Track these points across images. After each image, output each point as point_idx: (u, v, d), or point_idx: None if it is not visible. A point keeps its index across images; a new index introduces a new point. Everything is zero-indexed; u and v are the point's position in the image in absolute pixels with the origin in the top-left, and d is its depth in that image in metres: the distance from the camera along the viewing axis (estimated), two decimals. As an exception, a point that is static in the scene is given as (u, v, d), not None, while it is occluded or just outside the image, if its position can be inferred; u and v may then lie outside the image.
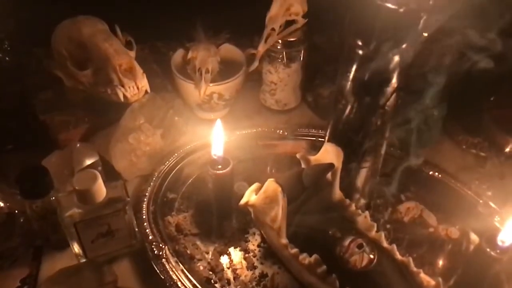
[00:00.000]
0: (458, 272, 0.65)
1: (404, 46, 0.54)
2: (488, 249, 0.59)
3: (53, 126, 0.77)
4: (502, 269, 0.64)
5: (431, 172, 0.76)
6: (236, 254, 0.68)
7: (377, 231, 0.65)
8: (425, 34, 1.02)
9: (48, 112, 0.79)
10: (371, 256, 0.60)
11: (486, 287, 0.64)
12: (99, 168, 0.69)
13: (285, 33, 0.79)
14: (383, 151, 0.67)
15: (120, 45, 0.75)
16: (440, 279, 0.59)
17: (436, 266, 0.67)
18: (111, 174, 0.73)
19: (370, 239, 0.64)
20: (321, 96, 0.91)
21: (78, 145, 0.72)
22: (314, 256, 0.60)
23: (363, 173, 0.68)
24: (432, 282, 0.59)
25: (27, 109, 0.81)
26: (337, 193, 0.69)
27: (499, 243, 0.59)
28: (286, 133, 0.83)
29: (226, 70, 0.83)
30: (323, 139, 0.71)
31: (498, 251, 0.59)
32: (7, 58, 0.88)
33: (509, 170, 0.78)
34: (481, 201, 0.72)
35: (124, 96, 0.75)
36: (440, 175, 0.76)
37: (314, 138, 0.83)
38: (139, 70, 0.75)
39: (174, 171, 0.76)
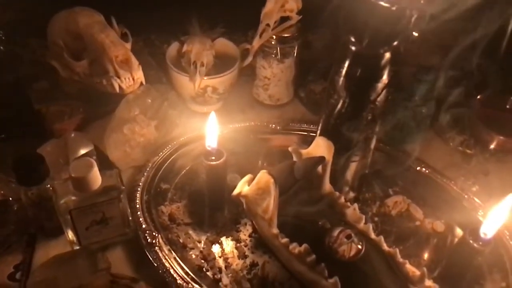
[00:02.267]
0: (443, 264, 0.67)
1: (395, 43, 0.56)
2: (471, 241, 0.62)
3: (48, 116, 0.78)
4: (484, 260, 0.67)
5: (418, 168, 0.78)
6: (227, 243, 0.69)
7: (365, 223, 0.66)
8: (415, 34, 1.05)
9: (43, 102, 0.80)
10: (359, 247, 0.62)
11: (469, 278, 0.66)
12: (94, 157, 0.70)
13: (280, 29, 0.81)
14: (373, 145, 0.69)
15: (116, 36, 0.76)
16: (425, 269, 0.61)
17: (422, 258, 0.69)
18: (105, 164, 0.74)
19: (359, 230, 0.65)
20: (314, 92, 0.92)
21: (73, 134, 0.73)
22: (304, 245, 0.61)
23: (353, 167, 0.70)
24: (417, 273, 0.61)
25: (22, 99, 0.81)
26: (327, 186, 0.71)
27: (482, 235, 0.61)
28: (278, 128, 0.85)
29: (220, 64, 0.84)
30: (314, 134, 0.73)
31: (480, 243, 0.61)
32: (1, 48, 0.89)
33: (493, 167, 0.80)
34: (466, 196, 0.74)
35: (120, 87, 0.75)
36: (427, 171, 0.78)
37: (306, 133, 0.84)
38: (135, 61, 0.76)
39: (167, 162, 0.77)
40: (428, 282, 0.61)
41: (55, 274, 0.61)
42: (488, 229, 0.61)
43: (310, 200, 0.70)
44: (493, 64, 0.80)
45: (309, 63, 0.95)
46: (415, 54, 0.94)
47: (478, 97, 0.79)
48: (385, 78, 0.59)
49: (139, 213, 0.69)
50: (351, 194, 0.74)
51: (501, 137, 0.75)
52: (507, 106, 0.79)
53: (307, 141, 0.80)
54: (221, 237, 0.70)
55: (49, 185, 0.63)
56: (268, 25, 0.79)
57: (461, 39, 0.95)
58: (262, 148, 0.83)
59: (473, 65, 0.77)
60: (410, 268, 0.62)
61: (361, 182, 0.74)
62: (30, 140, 0.75)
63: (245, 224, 0.72)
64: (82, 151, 0.71)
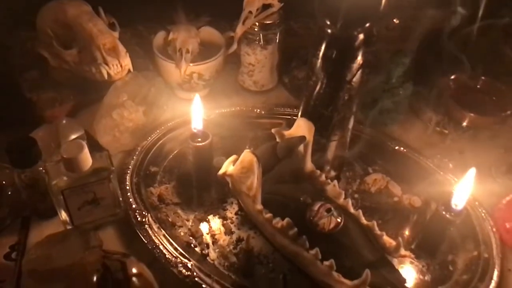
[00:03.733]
0: (420, 236, 0.71)
1: (367, 25, 0.59)
2: (444, 212, 0.65)
3: (39, 103, 0.81)
4: (458, 231, 0.71)
5: (397, 147, 0.82)
6: (215, 221, 0.72)
7: (345, 198, 0.70)
8: (396, 21, 1.08)
9: (34, 91, 0.83)
10: (338, 220, 0.65)
11: (444, 248, 0.70)
12: (84, 142, 0.73)
13: (262, 16, 0.83)
14: (350, 125, 0.72)
15: (104, 25, 0.79)
16: (400, 240, 0.64)
17: (399, 231, 0.72)
18: (96, 149, 0.76)
19: (338, 205, 0.69)
20: (297, 78, 0.96)
21: (64, 121, 0.76)
22: (286, 220, 0.65)
23: (332, 146, 0.73)
24: (394, 243, 0.65)
25: (13, 88, 0.84)
26: (309, 165, 0.74)
27: (453, 206, 0.65)
28: (263, 112, 0.88)
29: (206, 51, 0.87)
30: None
31: (452, 214, 0.65)
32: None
33: (468, 145, 0.84)
34: (441, 173, 0.78)
35: (108, 74, 0.78)
36: (405, 150, 0.81)
37: (289, 117, 0.87)
38: (122, 49, 0.79)
39: (156, 146, 0.80)
40: (403, 252, 0.65)
41: (49, 252, 0.64)
42: (458, 200, 0.64)
43: (292, 178, 0.73)
44: (464, 46, 0.84)
45: (292, 51, 0.98)
46: (395, 40, 0.97)
47: (452, 77, 0.82)
48: (359, 59, 0.63)
49: (129, 194, 0.72)
50: (332, 173, 0.77)
51: (472, 115, 0.79)
52: (478, 86, 0.83)
53: (291, 124, 0.83)
54: (208, 215, 0.73)
55: (41, 168, 0.66)
56: (250, 12, 0.82)
57: (438, 24, 0.99)
58: (248, 132, 0.86)
59: (447, 48, 0.81)
60: (387, 239, 0.66)
61: (341, 161, 0.77)
62: (22, 128, 0.77)
63: (231, 203, 0.75)
64: (73, 136, 0.73)
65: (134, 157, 0.78)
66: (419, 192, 0.77)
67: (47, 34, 0.79)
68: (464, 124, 0.81)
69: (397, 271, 0.65)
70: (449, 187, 0.76)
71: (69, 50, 0.79)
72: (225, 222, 0.72)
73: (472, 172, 0.64)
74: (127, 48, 0.83)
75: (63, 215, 0.67)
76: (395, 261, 0.67)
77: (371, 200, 0.76)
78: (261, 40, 0.86)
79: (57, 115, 0.79)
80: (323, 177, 0.72)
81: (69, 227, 0.69)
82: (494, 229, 0.71)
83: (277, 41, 0.88)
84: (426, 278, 0.67)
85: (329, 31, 0.61)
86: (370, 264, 0.63)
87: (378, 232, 0.66)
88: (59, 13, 0.79)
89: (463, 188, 0.64)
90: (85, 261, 0.62)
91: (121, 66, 0.78)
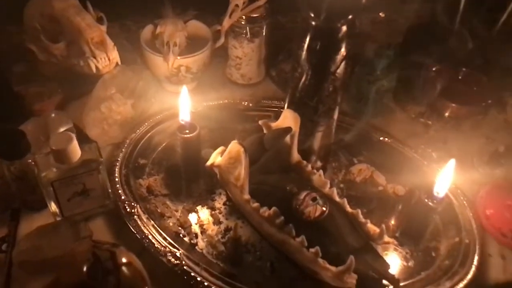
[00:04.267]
0: (404, 224, 0.73)
1: (350, 17, 0.61)
2: (426, 200, 0.67)
3: (28, 97, 0.81)
4: (441, 219, 0.73)
5: (381, 138, 0.83)
6: (203, 211, 0.74)
7: (330, 187, 0.71)
8: (382, 15, 1.10)
9: (22, 84, 0.83)
10: (323, 208, 0.67)
11: (428, 235, 0.72)
12: (73, 134, 0.74)
13: (248, 10, 0.85)
14: (335, 115, 0.73)
15: (91, 19, 0.79)
16: (383, 227, 0.66)
17: (384, 219, 0.74)
18: (85, 142, 0.77)
19: (324, 194, 0.70)
20: (284, 71, 0.97)
21: (53, 114, 0.77)
22: (273, 209, 0.66)
23: (318, 137, 0.75)
24: (377, 230, 0.67)
25: (1, 82, 0.84)
26: (295, 155, 0.75)
27: (435, 194, 0.67)
28: (251, 105, 0.89)
29: (193, 45, 0.88)
30: (285, 110, 0.77)
31: (435, 201, 0.67)
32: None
33: (451, 135, 0.86)
34: (425, 162, 0.80)
35: (96, 67, 0.79)
36: (389, 141, 0.83)
37: (277, 109, 0.88)
38: (110, 42, 0.79)
39: (144, 138, 0.81)
40: (387, 238, 0.67)
41: (39, 243, 0.65)
42: (440, 189, 0.66)
43: (279, 168, 0.75)
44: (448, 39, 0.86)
45: (280, 44, 0.99)
46: (381, 33, 0.99)
47: (434, 69, 0.84)
48: (343, 50, 0.64)
49: (118, 185, 0.73)
50: (319, 163, 0.78)
51: (454, 105, 0.81)
52: (459, 77, 0.85)
53: (278, 117, 0.84)
54: (197, 206, 0.74)
55: (30, 160, 0.66)
56: (237, 5, 0.83)
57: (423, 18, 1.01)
58: (236, 125, 0.87)
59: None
60: (371, 227, 0.68)
61: (327, 152, 0.79)
62: (11, 121, 0.78)
63: (220, 193, 0.76)
64: (62, 129, 0.74)
65: (123, 150, 0.79)
66: (403, 182, 0.79)
67: (34, 28, 0.80)
68: (447, 114, 0.83)
69: (381, 257, 0.67)
70: (432, 177, 0.78)
71: (57, 43, 0.80)
72: (213, 212, 0.73)
73: (452, 162, 0.66)
74: (115, 42, 0.83)
75: (53, 206, 0.68)
76: (379, 248, 0.69)
77: (356, 189, 0.78)
78: (248, 34, 0.87)
79: (45, 108, 0.80)
80: (309, 167, 0.74)
81: (59, 218, 0.70)
82: (475, 216, 0.73)
83: (264, 34, 0.89)
84: (409, 264, 0.69)
85: (313, 23, 0.62)
86: (355, 251, 0.64)
87: (362, 219, 0.68)
88: (46, 7, 0.79)
89: (444, 177, 0.66)
90: (75, 251, 0.64)
91: (109, 59, 0.79)
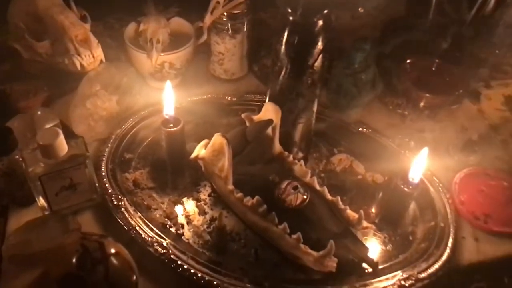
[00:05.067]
0: (383, 211, 0.76)
1: (325, 12, 0.63)
2: (402, 186, 0.70)
3: (13, 95, 0.82)
4: (418, 204, 0.76)
5: (360, 129, 0.86)
6: (189, 203, 0.76)
7: (311, 176, 0.74)
8: (361, 10, 1.13)
9: (7, 83, 0.84)
10: (304, 196, 0.69)
11: (405, 221, 0.75)
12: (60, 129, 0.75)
13: (229, 6, 0.87)
14: (315, 108, 0.76)
15: (75, 17, 0.81)
16: (362, 212, 0.69)
17: (363, 205, 0.77)
18: (71, 137, 0.78)
19: (305, 183, 0.73)
20: (266, 66, 0.99)
21: (39, 112, 0.78)
22: (256, 198, 0.68)
23: (299, 129, 0.77)
24: (356, 216, 0.70)
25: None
26: (277, 147, 0.78)
27: (411, 180, 0.70)
28: (234, 99, 0.91)
29: (176, 41, 0.90)
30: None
31: (410, 187, 0.70)
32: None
33: (427, 125, 0.89)
34: (403, 151, 0.83)
35: (81, 65, 0.80)
36: (368, 131, 0.86)
37: (260, 103, 0.90)
38: (94, 40, 0.81)
39: (130, 134, 0.83)
40: (365, 223, 0.70)
41: (28, 237, 0.66)
42: (415, 174, 0.69)
43: (262, 160, 0.77)
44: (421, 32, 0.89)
45: (261, 40, 1.01)
46: (359, 28, 1.02)
47: (408, 61, 0.87)
48: (320, 44, 0.67)
49: (105, 180, 0.75)
50: (300, 154, 0.81)
51: (428, 95, 0.84)
52: (433, 69, 0.88)
53: (261, 110, 0.87)
54: (182, 198, 0.76)
55: (18, 156, 0.68)
56: (218, 2, 0.85)
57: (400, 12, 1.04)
58: (220, 119, 0.89)
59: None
60: (350, 213, 0.70)
61: (308, 143, 0.81)
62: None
63: (205, 185, 0.78)
64: (48, 126, 0.76)
65: (109, 145, 0.80)
66: (381, 170, 0.82)
67: (19, 27, 0.81)
68: (422, 104, 0.86)
69: (360, 241, 0.70)
70: (409, 164, 0.82)
71: (41, 42, 0.81)
72: (198, 203, 0.76)
73: (425, 150, 0.69)
74: (99, 40, 0.85)
75: (41, 201, 0.70)
76: (359, 234, 0.72)
77: (336, 178, 0.81)
78: (230, 30, 0.89)
79: (31, 106, 0.81)
80: (290, 157, 0.77)
81: (47, 213, 0.71)
82: (450, 201, 0.76)
83: (245, 30, 0.91)
84: (388, 248, 0.72)
85: (290, 18, 0.65)
86: (335, 236, 0.67)
87: (341, 206, 0.70)
88: (30, 6, 0.80)
89: (418, 164, 0.69)
90: (64, 244, 0.65)
91: (93, 56, 0.81)
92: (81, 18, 0.85)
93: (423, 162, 0.69)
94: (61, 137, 0.65)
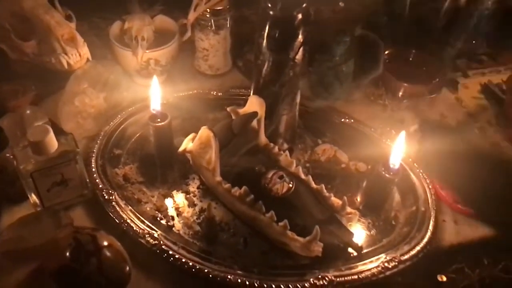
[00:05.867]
0: (366, 196, 0.78)
1: (304, 5, 0.66)
2: (383, 172, 0.73)
3: (2, 94, 0.83)
4: (400, 190, 0.79)
5: (343, 120, 0.89)
6: (178, 196, 0.78)
7: (296, 166, 0.77)
8: (342, 4, 1.16)
9: (-6, 83, 0.85)
10: (290, 185, 0.72)
11: (388, 206, 0.78)
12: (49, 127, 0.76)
13: (212, 3, 0.89)
14: (298, 99, 0.79)
15: (61, 17, 0.82)
16: (345, 199, 0.72)
17: (347, 193, 0.79)
18: (61, 135, 0.80)
19: (290, 172, 0.75)
20: (250, 61, 1.01)
21: (28, 110, 0.79)
22: (243, 188, 0.71)
23: (283, 120, 0.80)
24: (340, 202, 0.72)
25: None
26: (263, 139, 0.80)
27: (391, 166, 0.73)
28: (219, 94, 0.93)
29: (161, 39, 0.92)
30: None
31: (391, 173, 0.73)
32: None
33: (407, 115, 0.92)
34: (384, 140, 0.86)
35: (68, 63, 0.82)
36: (351, 121, 0.89)
37: (245, 97, 0.92)
38: (80, 39, 0.82)
39: (118, 130, 0.85)
40: (349, 209, 0.72)
41: (22, 232, 0.67)
42: (395, 160, 0.72)
43: (248, 151, 0.79)
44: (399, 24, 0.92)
45: (245, 36, 1.04)
46: (340, 21, 1.05)
47: (386, 52, 0.90)
48: (300, 37, 0.69)
49: (95, 175, 0.77)
50: (285, 145, 0.83)
51: (406, 85, 0.87)
52: (410, 59, 0.92)
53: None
54: (172, 191, 0.78)
55: (9, 154, 0.69)
56: (201, -1, 0.87)
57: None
58: (207, 114, 0.91)
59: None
60: (334, 200, 0.73)
61: (293, 134, 0.84)
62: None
63: (193, 178, 0.80)
64: (38, 124, 0.77)
65: (98, 141, 0.82)
66: (364, 159, 0.84)
67: (4, 28, 0.82)
68: (400, 94, 0.89)
69: (345, 227, 0.73)
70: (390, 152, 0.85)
71: (28, 42, 0.82)
72: (188, 195, 0.78)
73: (402, 134, 0.72)
74: (85, 39, 0.86)
75: (33, 197, 0.71)
76: (344, 220, 0.74)
77: (321, 168, 0.83)
78: (213, 26, 0.91)
79: (20, 105, 0.82)
80: (276, 149, 0.79)
81: (39, 209, 0.73)
82: (430, 186, 0.79)
83: (228, 26, 0.93)
84: (372, 232, 0.75)
85: (271, 12, 0.67)
86: (320, 223, 0.70)
87: (326, 194, 0.73)
88: (15, 6, 0.81)
89: (397, 149, 0.72)
90: (57, 238, 0.67)
91: (80, 55, 0.82)
92: (66, 17, 0.86)
93: (401, 147, 0.72)
94: (51, 133, 0.66)
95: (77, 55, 0.82)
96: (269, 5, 0.66)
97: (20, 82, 0.85)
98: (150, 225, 0.71)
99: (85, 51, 0.83)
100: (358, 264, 0.69)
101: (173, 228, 0.73)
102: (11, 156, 0.69)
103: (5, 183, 0.72)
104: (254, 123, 0.78)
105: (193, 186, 0.79)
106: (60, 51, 0.81)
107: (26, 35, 0.83)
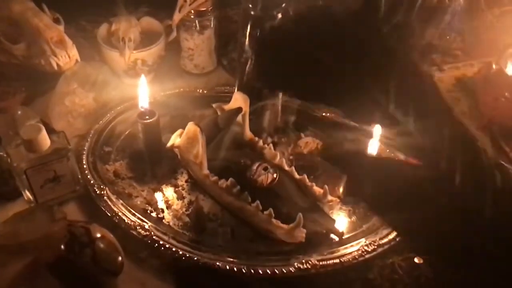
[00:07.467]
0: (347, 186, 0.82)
1: (283, 5, 0.70)
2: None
3: (-8, 96, 0.86)
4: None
5: (323, 114, 0.93)
6: (167, 189, 0.81)
7: (280, 158, 0.80)
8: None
9: (-16, 86, 0.88)
10: (274, 176, 0.75)
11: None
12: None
13: (196, 4, 0.92)
14: (280, 95, 0.82)
15: (49, 20, 0.85)
16: (326, 187, 0.75)
17: (328, 183, 0.83)
18: (52, 134, 0.82)
19: (274, 164, 0.79)
20: (234, 60, 1.05)
21: (19, 111, 0.82)
22: (230, 180, 0.74)
23: (267, 115, 0.84)
24: (322, 191, 0.76)
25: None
26: (248, 133, 0.84)
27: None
28: (205, 92, 0.97)
29: (147, 39, 0.95)
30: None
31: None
32: None
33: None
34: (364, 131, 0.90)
35: (58, 65, 0.85)
36: (332, 115, 0.93)
37: (230, 95, 0.95)
38: (68, 41, 0.85)
39: (108, 128, 0.88)
40: (330, 197, 0.76)
41: (16, 227, 0.70)
42: (372, 150, 0.77)
43: (234, 145, 0.83)
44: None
45: (229, 35, 1.07)
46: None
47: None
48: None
49: (86, 172, 0.80)
50: (269, 139, 0.87)
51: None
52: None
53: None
54: (161, 185, 0.81)
55: (2, 152, 0.72)
56: (185, 0, 0.91)
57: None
58: (193, 111, 0.94)
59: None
60: (316, 189, 0.77)
61: (276, 128, 0.88)
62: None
63: (182, 173, 0.83)
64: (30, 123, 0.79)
65: (89, 139, 0.85)
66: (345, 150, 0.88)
67: (-7, 31, 0.85)
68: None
69: (327, 214, 0.77)
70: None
71: (17, 44, 0.85)
72: (176, 189, 0.81)
73: (377, 127, 0.76)
74: (73, 41, 0.89)
75: (27, 194, 0.74)
76: (326, 208, 0.78)
77: (304, 160, 0.87)
78: (197, 26, 0.94)
79: (11, 106, 0.85)
80: (260, 142, 0.83)
81: (33, 205, 0.75)
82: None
83: (212, 26, 0.97)
84: (352, 219, 0.78)
85: (252, 12, 0.71)
86: (303, 210, 0.73)
87: (308, 183, 0.77)
88: (3, 9, 0.84)
89: (374, 140, 0.76)
90: (51, 232, 0.69)
91: (69, 56, 0.85)
92: (54, 20, 0.89)
93: (376, 138, 0.76)
94: (44, 131, 0.69)
95: (66, 56, 0.85)
96: (250, 5, 0.70)
97: (10, 84, 0.87)
98: (141, 217, 0.74)
99: (74, 52, 0.86)
100: (339, 248, 0.72)
101: (163, 220, 0.76)
102: (5, 155, 0.71)
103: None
104: (239, 118, 0.82)
105: (181, 180, 0.82)
106: (49, 53, 0.83)
107: (16, 38, 0.85)
